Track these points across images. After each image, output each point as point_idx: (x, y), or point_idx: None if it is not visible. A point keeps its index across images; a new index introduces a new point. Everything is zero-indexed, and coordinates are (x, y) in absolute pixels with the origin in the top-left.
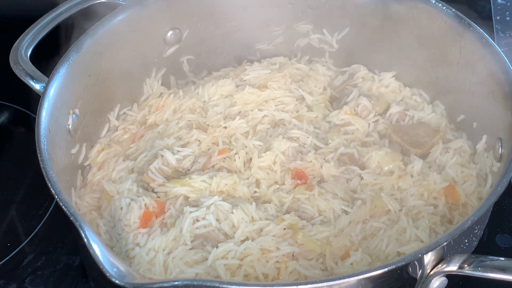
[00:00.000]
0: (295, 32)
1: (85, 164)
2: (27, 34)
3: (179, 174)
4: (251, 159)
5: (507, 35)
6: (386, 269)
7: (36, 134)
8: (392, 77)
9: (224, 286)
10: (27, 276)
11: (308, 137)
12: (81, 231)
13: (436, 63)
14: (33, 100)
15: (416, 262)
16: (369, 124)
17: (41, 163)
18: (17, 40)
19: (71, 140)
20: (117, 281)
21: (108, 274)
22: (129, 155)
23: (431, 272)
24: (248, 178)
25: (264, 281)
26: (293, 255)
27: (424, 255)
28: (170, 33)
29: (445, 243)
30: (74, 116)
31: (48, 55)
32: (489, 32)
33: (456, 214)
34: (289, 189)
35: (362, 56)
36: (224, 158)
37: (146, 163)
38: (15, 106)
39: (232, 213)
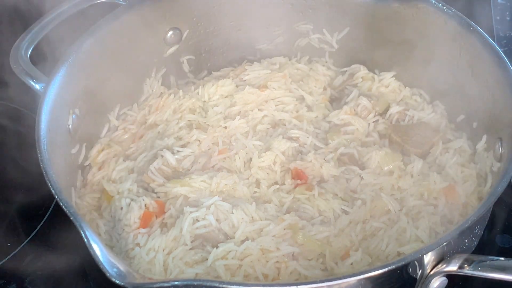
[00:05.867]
0: (295, 32)
1: (85, 164)
2: (27, 34)
3: (179, 174)
4: (251, 159)
5: (507, 35)
6: (386, 269)
7: (36, 134)
8: (392, 77)
9: (224, 286)
10: (27, 276)
11: (308, 137)
12: (81, 231)
13: (436, 63)
14: (33, 100)
15: (416, 262)
16: (369, 124)
17: (41, 163)
18: (17, 40)
19: (71, 140)
20: (117, 281)
21: (108, 274)
22: (129, 155)
23: (431, 272)
24: (248, 178)
25: (264, 281)
26: (293, 255)
27: (424, 255)
28: (170, 33)
29: (445, 243)
30: (74, 116)
31: (48, 55)
32: (489, 32)
33: (456, 214)
34: (289, 189)
35: (362, 56)
36: (224, 158)
37: (146, 163)
38: (15, 106)
39: (232, 213)
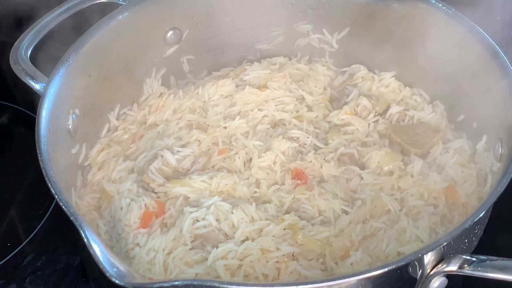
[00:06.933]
0: (295, 32)
1: (85, 164)
2: (27, 34)
3: (179, 174)
4: (251, 159)
5: (507, 35)
6: (386, 269)
7: (36, 134)
8: (392, 77)
9: (224, 286)
10: (27, 276)
11: (308, 137)
12: (81, 231)
13: (436, 63)
14: (33, 100)
15: (416, 262)
16: (369, 124)
17: (41, 163)
18: (17, 40)
19: (71, 140)
20: (117, 281)
21: (108, 274)
22: (129, 155)
23: (431, 272)
24: (248, 178)
25: (264, 281)
26: (293, 255)
27: (424, 255)
28: (170, 33)
29: (445, 243)
30: (74, 116)
31: (48, 55)
32: (489, 32)
33: (456, 214)
34: (289, 189)
35: (362, 56)
36: (224, 158)
37: (146, 163)
38: (15, 106)
39: (232, 213)
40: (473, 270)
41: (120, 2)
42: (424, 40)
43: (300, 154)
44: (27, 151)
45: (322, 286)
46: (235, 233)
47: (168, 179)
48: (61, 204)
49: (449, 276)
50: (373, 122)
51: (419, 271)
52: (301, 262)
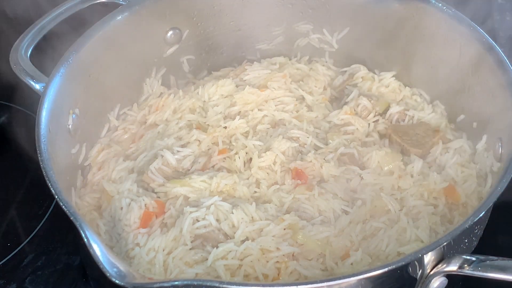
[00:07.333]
0: (295, 32)
1: (85, 164)
2: (27, 34)
3: (179, 174)
4: (251, 159)
5: (507, 35)
6: (386, 269)
7: (36, 134)
8: (392, 77)
9: (224, 286)
10: (27, 276)
11: (308, 137)
12: (81, 231)
13: (435, 63)
14: (33, 100)
15: (416, 262)
16: (369, 124)
17: (41, 163)
18: (17, 40)
19: (71, 140)
20: (117, 281)
21: (108, 274)
22: (129, 155)
23: (431, 272)
24: (248, 178)
25: (264, 281)
26: (293, 255)
27: (424, 255)
28: (170, 33)
29: (445, 243)
30: (74, 116)
31: (48, 55)
32: (489, 32)
33: (456, 214)
34: (289, 189)
35: (362, 56)
36: (224, 158)
37: (146, 163)
38: (15, 106)
39: (232, 213)
40: (473, 270)
41: (120, 2)
42: (424, 40)
43: (300, 154)
44: (27, 151)
45: (322, 286)
46: (235, 233)
47: (168, 179)
48: (61, 204)
49: (449, 276)
50: (373, 122)
51: (419, 271)
52: (301, 262)
